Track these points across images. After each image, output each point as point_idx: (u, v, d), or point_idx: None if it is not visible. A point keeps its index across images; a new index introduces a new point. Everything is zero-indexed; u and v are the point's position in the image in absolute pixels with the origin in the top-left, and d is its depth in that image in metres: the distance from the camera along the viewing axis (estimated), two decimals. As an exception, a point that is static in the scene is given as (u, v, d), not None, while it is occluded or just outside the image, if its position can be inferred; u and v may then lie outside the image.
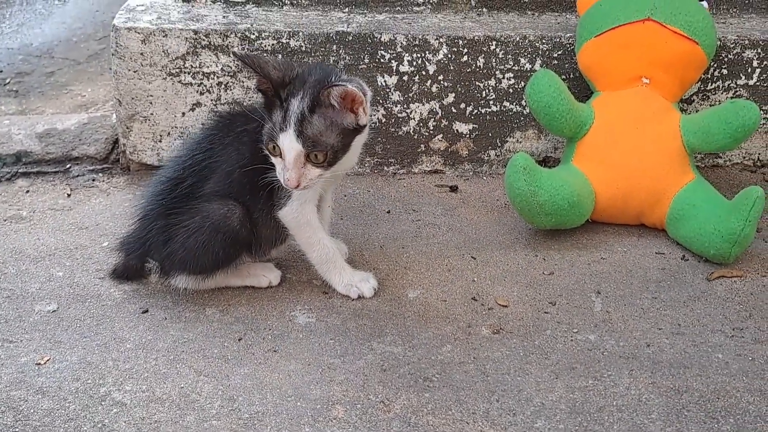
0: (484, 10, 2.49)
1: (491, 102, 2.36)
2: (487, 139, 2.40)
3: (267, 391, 1.57)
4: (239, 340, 1.71)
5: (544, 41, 2.32)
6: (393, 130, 2.37)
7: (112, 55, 2.25)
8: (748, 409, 1.57)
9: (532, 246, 2.08)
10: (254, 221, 1.79)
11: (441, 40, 2.28)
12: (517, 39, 2.31)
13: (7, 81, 3.11)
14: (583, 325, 1.79)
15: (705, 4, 2.24)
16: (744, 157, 2.51)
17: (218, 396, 1.56)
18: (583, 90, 2.32)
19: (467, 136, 2.39)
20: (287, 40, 2.25)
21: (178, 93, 2.27)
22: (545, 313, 1.83)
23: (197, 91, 2.28)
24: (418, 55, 2.29)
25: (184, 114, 2.30)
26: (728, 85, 2.41)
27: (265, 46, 2.24)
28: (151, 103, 2.28)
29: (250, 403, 1.54)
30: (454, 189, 2.34)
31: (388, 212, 2.21)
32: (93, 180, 2.31)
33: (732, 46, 2.36)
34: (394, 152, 2.39)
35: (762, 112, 2.36)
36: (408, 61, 2.29)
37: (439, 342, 1.72)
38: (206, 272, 1.80)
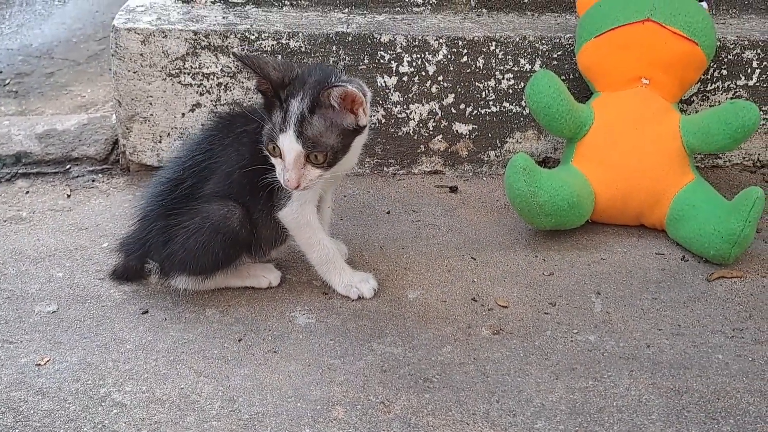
0: (484, 10, 2.49)
1: (491, 103, 2.36)
2: (487, 139, 2.40)
3: (267, 392, 1.57)
4: (239, 340, 1.71)
5: (543, 42, 2.32)
6: (393, 130, 2.37)
7: (112, 55, 2.25)
8: (748, 410, 1.57)
9: (532, 247, 2.08)
10: (254, 222, 1.79)
11: (441, 40, 2.28)
12: (517, 39, 2.31)
13: (7, 82, 3.11)
14: (583, 325, 1.79)
15: (704, 4, 2.24)
16: (744, 158, 2.51)
17: (218, 397, 1.56)
18: (582, 90, 2.32)
19: (467, 136, 2.39)
20: (287, 41, 2.25)
21: (178, 94, 2.27)
22: (545, 313, 1.83)
23: (197, 92, 2.28)
24: (418, 56, 2.29)
25: (183, 115, 2.30)
26: (728, 85, 2.41)
27: (265, 46, 2.24)
28: (150, 103, 2.28)
29: (250, 403, 1.54)
30: (453, 189, 2.34)
31: (388, 213, 2.21)
32: (93, 181, 2.31)
33: (732, 46, 2.37)
34: (394, 153, 2.39)
35: (762, 112, 2.36)
36: (408, 61, 2.29)
37: (439, 343, 1.72)
38: (206, 273, 1.80)
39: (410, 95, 2.33)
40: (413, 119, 2.36)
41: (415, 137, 2.38)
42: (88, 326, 1.74)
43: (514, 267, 1.99)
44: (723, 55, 2.37)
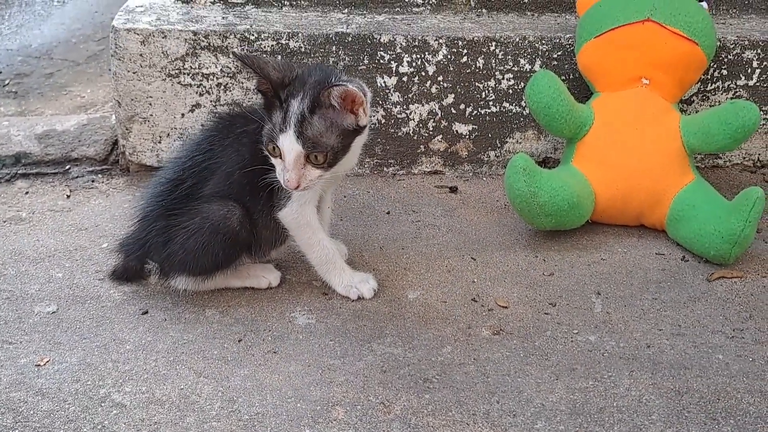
0: (484, 10, 2.49)
1: (491, 103, 2.36)
2: (487, 139, 2.40)
3: (267, 393, 1.57)
4: (239, 341, 1.71)
5: (543, 42, 2.32)
6: (393, 131, 2.36)
7: (112, 56, 2.24)
8: (748, 410, 1.56)
9: (532, 247, 2.08)
10: (254, 222, 1.79)
11: (440, 41, 2.28)
12: (517, 40, 2.31)
13: (7, 82, 3.11)
14: (583, 326, 1.79)
15: (705, 4, 2.24)
16: (744, 158, 2.51)
17: (218, 397, 1.56)
18: (582, 91, 2.32)
19: (467, 136, 2.39)
20: (287, 41, 2.25)
21: (178, 94, 2.27)
22: (545, 314, 1.83)
23: (197, 92, 2.28)
24: (418, 56, 2.29)
25: (183, 115, 2.30)
26: (728, 85, 2.41)
27: (265, 47, 2.24)
28: (150, 104, 2.28)
29: (250, 404, 1.54)
30: (453, 190, 2.34)
31: (388, 213, 2.21)
32: (92, 181, 2.31)
33: (732, 46, 2.36)
34: (394, 153, 2.39)
35: (762, 112, 2.36)
36: (407, 62, 2.29)
37: (439, 343, 1.72)
38: (206, 273, 1.80)
39: (410, 95, 2.33)
40: (413, 119, 2.35)
41: (415, 137, 2.38)
42: (88, 327, 1.74)
43: (514, 267, 1.99)
44: (723, 55, 2.37)
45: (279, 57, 2.25)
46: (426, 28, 2.34)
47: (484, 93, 2.34)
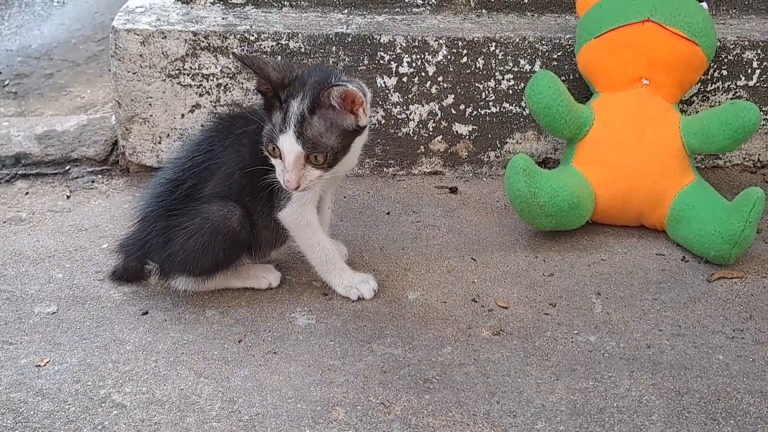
0: (484, 11, 2.49)
1: (491, 103, 2.36)
2: (487, 140, 2.40)
3: (267, 393, 1.57)
4: (239, 341, 1.71)
5: (543, 42, 2.32)
6: (392, 131, 2.36)
7: (111, 56, 2.24)
8: (748, 411, 1.56)
9: (532, 247, 2.08)
10: (254, 223, 1.79)
11: (440, 41, 2.28)
12: (517, 40, 2.31)
13: (6, 83, 3.11)
14: (583, 326, 1.79)
15: (705, 5, 2.24)
16: (744, 158, 2.51)
17: (218, 398, 1.56)
18: (582, 91, 2.32)
19: (467, 137, 2.39)
20: (286, 42, 2.25)
21: (178, 94, 2.27)
22: (545, 314, 1.83)
23: (196, 93, 2.28)
24: (418, 57, 2.29)
25: (183, 116, 2.30)
26: (728, 86, 2.41)
27: (265, 47, 2.24)
28: (150, 104, 2.28)
29: (250, 404, 1.54)
30: (453, 190, 2.34)
31: (388, 214, 2.21)
32: (92, 182, 2.31)
33: (732, 47, 2.36)
34: (394, 154, 2.39)
35: (762, 113, 2.36)
36: (407, 62, 2.29)
37: (439, 343, 1.72)
38: (206, 274, 1.80)
39: (410, 96, 2.33)
40: (413, 120, 2.35)
41: (415, 138, 2.38)
42: (88, 327, 1.74)
43: (514, 268, 1.99)
44: (723, 56, 2.37)
45: (279, 57, 2.25)
46: (426, 28, 2.34)
47: (484, 93, 2.34)
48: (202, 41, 2.22)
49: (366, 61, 2.28)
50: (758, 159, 2.51)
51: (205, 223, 1.74)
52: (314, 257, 1.84)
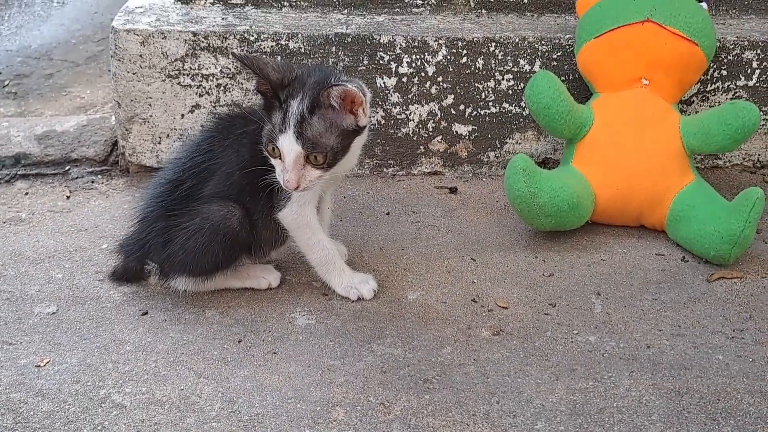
0: (484, 11, 2.49)
1: (490, 103, 2.36)
2: (487, 140, 2.40)
3: (267, 393, 1.57)
4: (239, 342, 1.71)
5: (543, 42, 2.32)
6: (392, 131, 2.36)
7: (111, 57, 2.24)
8: (748, 411, 1.56)
9: (531, 247, 2.08)
10: (254, 223, 1.79)
11: (440, 41, 2.28)
12: (517, 40, 2.31)
13: (6, 83, 3.11)
14: (583, 326, 1.79)
15: (704, 5, 2.24)
16: (744, 158, 2.51)
17: (218, 398, 1.56)
18: (582, 91, 2.32)
19: (466, 137, 2.39)
20: (286, 42, 2.25)
21: (177, 95, 2.27)
22: (545, 314, 1.83)
23: (196, 93, 2.28)
24: (418, 57, 2.29)
25: (183, 116, 2.30)
26: (728, 86, 2.41)
27: (264, 47, 2.24)
28: (150, 105, 2.28)
29: (250, 404, 1.54)
30: (453, 190, 2.34)
31: (388, 214, 2.21)
32: (92, 182, 2.31)
33: (731, 47, 2.37)
34: (394, 154, 2.39)
35: (762, 113, 2.36)
36: (407, 62, 2.29)
37: (439, 344, 1.72)
38: (206, 274, 1.80)
39: (410, 96, 2.33)
40: (413, 120, 2.35)
41: (415, 138, 2.38)
42: (88, 327, 1.74)
43: (514, 268, 1.99)
44: (723, 56, 2.37)
45: (279, 58, 2.25)
46: (426, 28, 2.34)
47: (483, 94, 2.34)
48: (202, 41, 2.22)
49: (366, 62, 2.28)
50: (758, 159, 2.51)
51: (204, 224, 1.74)
52: (314, 257, 1.84)
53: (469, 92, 2.34)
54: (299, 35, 2.25)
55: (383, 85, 2.31)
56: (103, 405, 1.53)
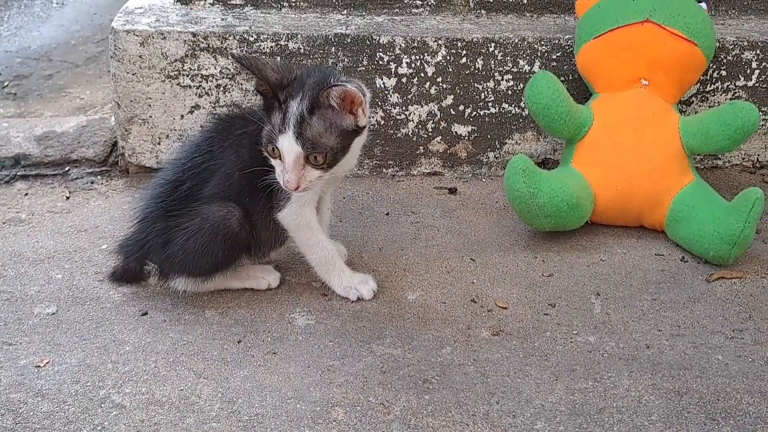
0: (483, 11, 2.49)
1: (490, 104, 2.36)
2: (486, 141, 2.40)
3: (266, 393, 1.57)
4: (239, 342, 1.71)
5: (542, 43, 2.32)
6: (392, 132, 2.37)
7: (111, 57, 2.24)
8: (748, 411, 1.56)
9: (531, 248, 2.08)
10: (253, 223, 1.79)
11: (440, 42, 2.28)
12: (516, 41, 2.31)
13: (6, 84, 3.11)
14: (582, 326, 1.79)
15: (704, 5, 2.24)
16: (743, 159, 2.51)
17: (218, 398, 1.56)
18: (582, 92, 2.32)
19: (466, 138, 2.39)
20: (286, 43, 2.25)
21: (177, 95, 2.27)
22: (545, 314, 1.83)
23: (196, 94, 2.28)
24: (417, 57, 2.29)
25: (182, 116, 2.30)
26: (727, 86, 2.41)
27: (264, 48, 2.24)
28: (149, 105, 2.28)
29: (249, 405, 1.54)
30: (453, 191, 2.34)
31: (387, 214, 2.21)
32: (92, 183, 2.31)
33: (731, 47, 2.37)
34: (393, 154, 2.39)
35: (761, 113, 2.36)
36: (407, 63, 2.29)
37: (438, 344, 1.72)
38: (205, 274, 1.80)
39: (409, 96, 2.33)
40: (412, 121, 2.35)
41: (414, 139, 2.38)
42: (88, 328, 1.74)
43: (513, 268, 1.99)
44: (722, 56, 2.37)
45: (278, 58, 2.25)
46: (425, 29, 2.34)
47: (483, 94, 2.35)
48: (202, 42, 2.23)
49: (365, 62, 2.29)
50: (757, 159, 2.51)
51: (204, 224, 1.74)
52: (314, 258, 1.84)
53: (469, 93, 2.34)
54: (299, 36, 2.25)
55: (383, 86, 2.31)
56: (102, 405, 1.53)
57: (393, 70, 2.30)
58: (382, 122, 2.35)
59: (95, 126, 2.49)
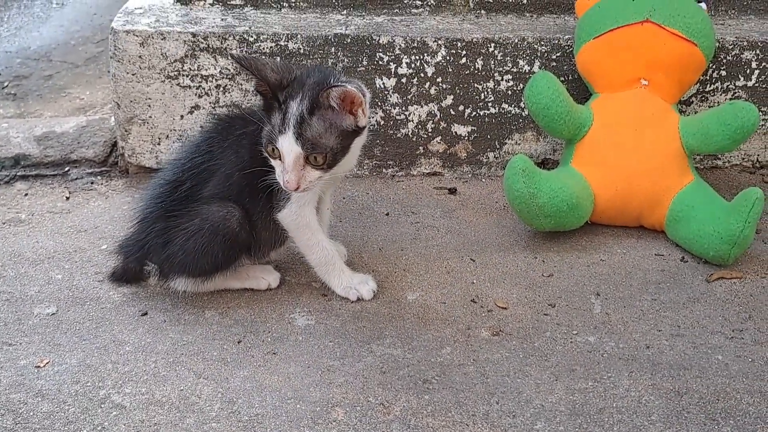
0: (483, 12, 2.49)
1: (490, 104, 2.36)
2: (486, 141, 2.40)
3: (266, 394, 1.57)
4: (238, 342, 1.71)
5: (542, 43, 2.32)
6: (391, 132, 2.37)
7: (111, 58, 2.24)
8: (748, 411, 1.56)
9: (531, 248, 2.08)
10: (253, 223, 1.79)
11: (439, 42, 2.28)
12: (516, 41, 2.31)
13: (6, 84, 3.11)
14: (582, 326, 1.79)
15: (704, 5, 2.24)
16: (743, 159, 2.51)
17: (218, 398, 1.56)
18: (581, 92, 2.32)
19: (466, 138, 2.39)
20: (285, 43, 2.25)
21: (177, 96, 2.27)
22: (545, 315, 1.83)
23: (196, 94, 2.28)
24: (417, 58, 2.29)
25: (182, 117, 2.30)
26: (727, 86, 2.41)
27: (264, 48, 2.24)
28: (149, 106, 2.28)
29: (249, 405, 1.54)
30: (452, 191, 2.34)
31: (387, 214, 2.21)
32: (91, 183, 2.31)
33: (731, 47, 2.37)
34: (393, 154, 2.39)
35: (761, 113, 2.36)
36: (406, 63, 2.29)
37: (438, 344, 1.72)
38: (205, 275, 1.80)
39: (409, 97, 2.33)
40: (412, 121, 2.35)
41: (414, 139, 2.38)
42: (88, 328, 1.74)
43: (513, 268, 1.99)
44: (722, 56, 2.37)
45: (278, 58, 2.25)
46: (425, 29, 2.34)
47: (483, 94, 2.35)
48: (201, 42, 2.23)
49: (365, 62, 2.29)
50: (757, 159, 2.51)
51: (204, 224, 1.74)
52: (313, 258, 1.84)
53: (469, 93, 2.34)
54: (298, 36, 2.25)
55: (382, 86, 2.31)
56: (102, 405, 1.53)
57: (393, 70, 2.30)
58: (382, 122, 2.35)
59: (95, 126, 2.49)
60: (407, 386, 1.60)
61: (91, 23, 3.76)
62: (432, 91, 2.33)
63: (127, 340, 1.70)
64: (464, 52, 2.30)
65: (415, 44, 2.28)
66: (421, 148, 2.39)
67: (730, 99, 2.42)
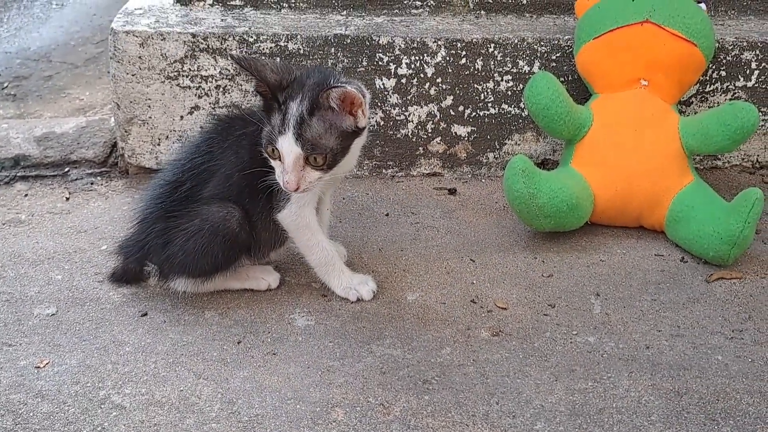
0: (483, 12, 2.49)
1: (490, 105, 2.36)
2: (486, 141, 2.40)
3: (266, 394, 1.57)
4: (238, 343, 1.71)
5: (542, 43, 2.32)
6: (391, 132, 2.37)
7: (111, 58, 2.24)
8: (748, 411, 1.56)
9: (531, 248, 2.08)
10: (253, 224, 1.79)
11: (439, 42, 2.29)
12: (516, 41, 2.31)
13: (5, 85, 3.11)
14: (582, 327, 1.79)
15: (703, 5, 2.24)
16: (743, 159, 2.51)
17: (217, 399, 1.56)
18: (581, 92, 2.32)
19: (466, 138, 2.39)
20: (285, 43, 2.25)
21: (177, 96, 2.27)
22: (544, 315, 1.83)
23: (195, 95, 2.28)
24: (417, 58, 2.29)
25: (182, 117, 2.30)
26: (727, 86, 2.41)
27: (263, 49, 2.24)
28: (149, 106, 2.28)
29: (249, 405, 1.54)
30: (452, 192, 2.34)
31: (387, 215, 2.21)
32: (91, 183, 2.31)
33: (730, 47, 2.37)
34: (393, 155, 2.39)
35: (761, 113, 2.36)
36: (406, 63, 2.29)
37: (438, 344, 1.72)
38: (205, 275, 1.80)
39: (409, 97, 2.33)
40: (412, 121, 2.36)
41: (414, 139, 2.38)
42: (87, 329, 1.74)
43: (513, 269, 1.99)
44: (722, 57, 2.37)
45: (278, 59, 2.25)
46: (425, 29, 2.34)
47: (482, 95, 2.35)
48: (201, 43, 2.23)
49: (365, 63, 2.29)
50: (757, 159, 2.51)
51: (204, 225, 1.74)
52: (313, 258, 1.84)
53: (468, 93, 2.34)
54: (298, 36, 2.25)
55: (382, 87, 2.31)
56: (102, 406, 1.53)
57: (392, 70, 2.30)
58: (382, 123, 2.35)
59: (95, 127, 2.49)
60: (407, 386, 1.60)
61: (91, 24, 3.76)
62: (432, 92, 2.33)
63: (127, 341, 1.70)
64: (464, 53, 2.30)
65: (415, 45, 2.28)
66: (420, 148, 2.39)
67: (730, 99, 2.42)
